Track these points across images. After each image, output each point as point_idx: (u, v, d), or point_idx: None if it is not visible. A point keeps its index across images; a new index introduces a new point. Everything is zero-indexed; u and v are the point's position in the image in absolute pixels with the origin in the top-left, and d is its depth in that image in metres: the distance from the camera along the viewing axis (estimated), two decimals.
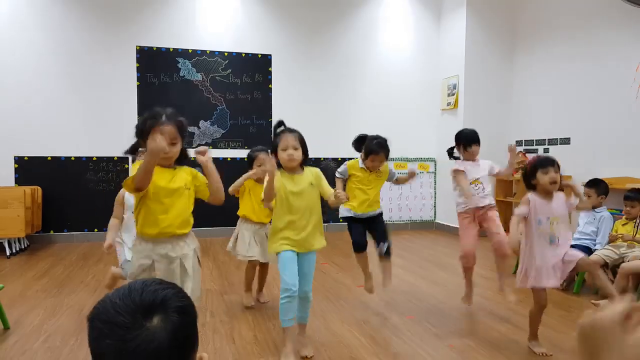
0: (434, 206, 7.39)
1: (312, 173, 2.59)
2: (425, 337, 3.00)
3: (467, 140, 3.51)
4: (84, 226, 6.11)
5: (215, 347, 2.84)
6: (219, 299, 3.77)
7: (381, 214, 3.39)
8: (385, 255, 3.34)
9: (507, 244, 3.27)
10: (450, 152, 3.71)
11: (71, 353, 2.74)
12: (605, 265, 3.66)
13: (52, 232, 6.04)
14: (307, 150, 2.56)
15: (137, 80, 6.26)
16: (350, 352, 2.77)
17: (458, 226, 3.63)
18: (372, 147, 3.20)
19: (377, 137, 3.24)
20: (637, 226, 3.43)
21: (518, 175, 6.10)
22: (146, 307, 0.78)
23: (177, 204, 2.14)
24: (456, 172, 3.45)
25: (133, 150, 2.23)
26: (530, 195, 2.66)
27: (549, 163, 2.62)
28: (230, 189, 3.43)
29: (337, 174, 3.36)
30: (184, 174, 2.20)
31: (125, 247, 3.31)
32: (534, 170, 2.64)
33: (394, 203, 7.11)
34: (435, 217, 7.37)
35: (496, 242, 3.33)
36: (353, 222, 3.33)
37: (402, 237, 6.55)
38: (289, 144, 2.48)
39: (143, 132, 2.05)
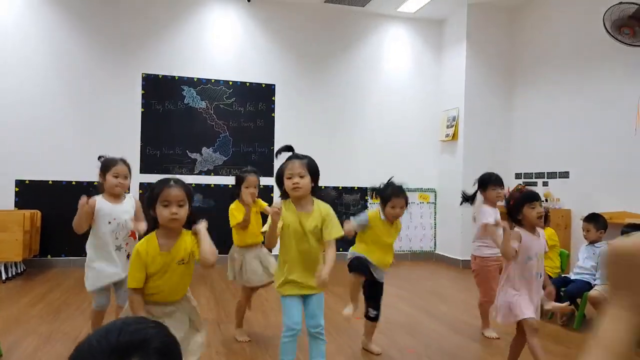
0: (434, 237, 7.37)
1: (321, 212, 2.38)
2: None
3: (489, 181, 3.55)
4: (82, 251, 6.02)
5: None
6: (215, 328, 3.73)
7: (382, 284, 3.20)
8: (374, 319, 3.17)
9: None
10: (473, 196, 3.62)
11: None
12: (605, 301, 3.63)
13: (49, 256, 6.02)
14: (317, 178, 2.37)
15: (142, 107, 6.35)
16: None
17: (477, 268, 3.60)
18: (390, 191, 3.02)
19: (392, 183, 3.09)
20: None
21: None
22: (123, 349, 0.72)
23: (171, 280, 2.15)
24: (486, 225, 3.44)
25: (154, 224, 2.16)
26: (519, 230, 2.61)
27: (535, 198, 2.61)
28: (243, 224, 3.41)
29: (353, 220, 3.05)
30: (185, 246, 2.17)
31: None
32: (520, 205, 2.60)
33: None
34: (435, 248, 7.35)
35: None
36: (359, 259, 3.09)
37: (402, 268, 6.51)
38: (294, 171, 2.31)
39: (152, 199, 2.10)
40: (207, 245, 2.12)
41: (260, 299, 3.81)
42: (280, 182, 2.40)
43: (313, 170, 2.37)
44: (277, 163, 7.22)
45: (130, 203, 3.03)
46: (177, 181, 2.13)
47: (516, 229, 2.63)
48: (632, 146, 4.95)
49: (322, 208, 2.41)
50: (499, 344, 3.48)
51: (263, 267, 3.43)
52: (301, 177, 2.31)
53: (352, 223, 3.00)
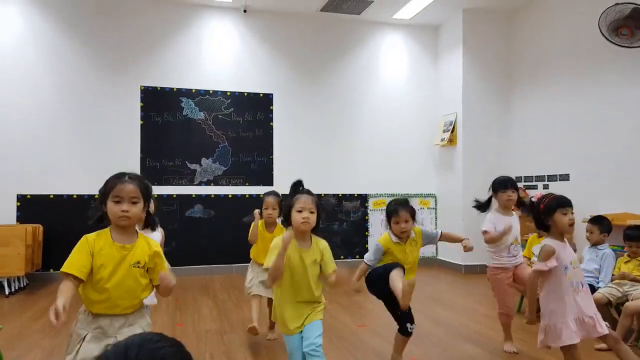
0: (436, 243, 7.35)
1: (319, 247, 2.40)
2: None
3: (500, 184, 3.43)
4: None
5: None
6: (218, 339, 3.72)
7: (411, 320, 3.01)
8: (410, 334, 3.01)
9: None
10: (486, 204, 3.46)
11: None
12: (609, 304, 3.62)
13: (52, 270, 6.01)
14: (320, 217, 2.39)
15: (141, 119, 6.37)
16: None
17: (489, 278, 3.53)
18: (391, 207, 2.94)
19: (393, 200, 3.04)
20: None
21: (518, 212, 6.10)
22: None
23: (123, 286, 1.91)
24: (485, 233, 3.38)
25: (100, 219, 1.98)
26: (549, 241, 2.47)
27: (569, 203, 2.45)
28: (250, 238, 3.61)
29: (366, 261, 2.96)
30: (143, 249, 1.96)
31: None
32: (551, 210, 2.44)
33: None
34: (437, 254, 7.33)
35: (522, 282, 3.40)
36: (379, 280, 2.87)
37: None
38: (305, 206, 2.31)
39: (104, 194, 1.92)
40: (163, 289, 1.97)
41: (265, 310, 3.81)
42: (287, 214, 2.40)
43: (319, 208, 2.39)
44: (280, 175, 7.22)
45: (156, 236, 2.93)
46: (134, 177, 1.94)
47: (546, 240, 2.49)
48: (633, 147, 4.94)
49: (319, 242, 2.42)
50: (511, 355, 3.43)
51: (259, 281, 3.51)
52: (311, 212, 2.33)
53: (358, 273, 2.92)
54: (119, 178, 1.92)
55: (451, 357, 3.36)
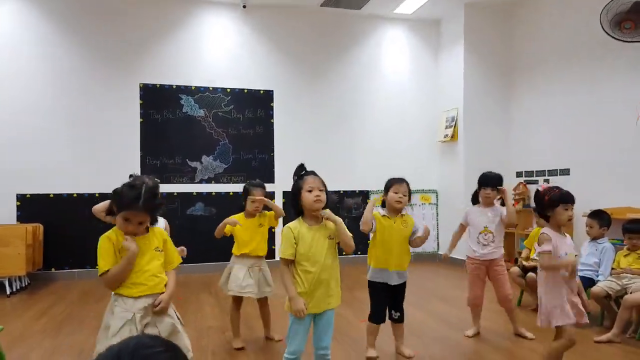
0: (437, 238, 7.36)
1: (330, 224, 2.39)
2: None
3: (481, 182, 3.66)
4: (85, 263, 6.09)
5: None
6: (220, 336, 3.72)
7: (405, 282, 3.22)
8: (398, 320, 3.22)
9: (509, 299, 3.59)
10: (474, 198, 3.74)
11: None
12: (608, 297, 3.62)
13: (53, 269, 6.03)
14: (328, 197, 2.41)
15: (141, 117, 6.37)
16: None
17: (467, 268, 3.74)
18: (393, 179, 3.15)
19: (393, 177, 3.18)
20: None
21: (519, 207, 6.10)
22: None
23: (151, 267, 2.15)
24: (460, 226, 3.75)
25: (111, 211, 2.23)
26: (547, 230, 2.59)
27: (571, 200, 2.59)
28: (217, 233, 3.46)
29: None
30: (155, 238, 2.22)
31: None
32: (554, 204, 2.57)
33: None
34: (438, 249, 7.33)
35: (502, 299, 3.61)
36: (378, 288, 3.15)
37: (407, 272, 6.47)
38: (315, 185, 2.33)
39: (118, 207, 2.12)
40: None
41: (250, 312, 3.81)
42: (295, 200, 2.40)
43: (326, 188, 2.40)
44: (281, 172, 7.21)
45: (160, 224, 2.91)
46: (148, 198, 2.04)
47: (544, 229, 2.61)
48: (633, 141, 4.93)
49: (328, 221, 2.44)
50: (507, 345, 3.46)
51: (255, 280, 3.40)
52: (321, 190, 2.35)
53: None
54: (133, 201, 2.02)
55: (453, 353, 3.36)
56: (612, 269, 3.74)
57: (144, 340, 0.76)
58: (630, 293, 3.44)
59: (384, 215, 3.11)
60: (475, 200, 3.72)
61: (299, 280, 2.35)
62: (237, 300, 3.50)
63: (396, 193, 3.06)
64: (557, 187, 2.69)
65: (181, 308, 4.50)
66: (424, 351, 3.34)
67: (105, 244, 2.07)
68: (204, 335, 3.77)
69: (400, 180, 3.11)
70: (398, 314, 3.20)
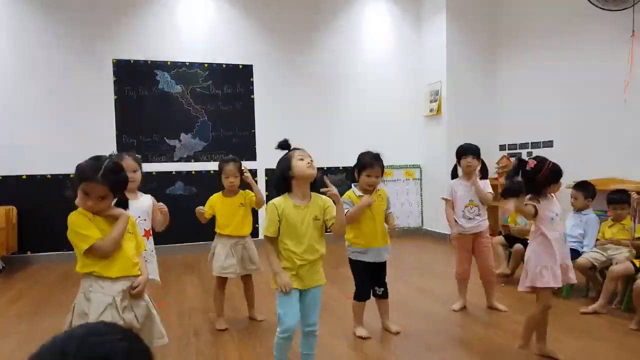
0: (421, 213, 7.35)
1: (321, 203, 2.34)
2: (417, 350, 2.92)
3: (460, 152, 3.58)
4: (62, 246, 5.90)
5: None
6: (203, 317, 3.64)
7: (385, 262, 3.18)
8: (383, 296, 3.19)
9: (494, 272, 3.64)
10: (454, 172, 3.68)
11: None
12: (593, 268, 3.63)
13: (29, 253, 5.84)
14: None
15: (115, 94, 6.13)
16: None
17: (454, 243, 3.73)
18: (367, 160, 3.03)
19: (369, 152, 3.07)
20: (635, 225, 3.36)
21: (502, 180, 6.09)
22: None
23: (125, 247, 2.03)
24: (445, 201, 3.64)
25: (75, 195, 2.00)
26: (532, 201, 2.56)
27: (562, 174, 2.59)
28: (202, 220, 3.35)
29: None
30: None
31: None
32: (550, 183, 2.54)
33: None
34: (422, 224, 7.33)
35: (484, 272, 3.60)
36: (361, 266, 3.11)
37: (390, 245, 6.46)
38: (305, 154, 2.31)
39: (78, 179, 1.95)
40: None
41: (235, 291, 3.73)
42: (284, 174, 2.30)
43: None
44: (263, 149, 7.05)
45: (146, 202, 2.86)
46: (108, 173, 1.92)
47: (527, 201, 2.56)
48: (618, 112, 4.90)
49: (320, 198, 2.36)
50: (494, 319, 3.46)
51: (232, 256, 3.32)
52: (311, 159, 2.31)
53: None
54: (92, 172, 1.89)
55: (439, 327, 3.34)
56: (597, 240, 3.74)
57: (98, 327, 0.68)
58: (616, 264, 3.45)
59: (359, 196, 3.04)
60: (454, 174, 3.67)
61: (283, 259, 2.29)
62: (221, 281, 3.42)
63: (369, 176, 3.00)
64: (547, 161, 2.60)
65: (163, 290, 4.41)
66: (410, 326, 3.32)
67: (81, 218, 1.92)
68: (187, 316, 3.68)
69: (372, 163, 2.99)
70: (382, 289, 3.17)
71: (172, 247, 6.01)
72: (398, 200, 7.17)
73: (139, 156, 2.91)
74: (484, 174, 3.59)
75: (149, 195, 2.93)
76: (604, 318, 3.38)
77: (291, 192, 2.31)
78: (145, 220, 2.79)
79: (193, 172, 6.39)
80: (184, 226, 5.55)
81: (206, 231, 3.59)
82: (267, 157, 6.56)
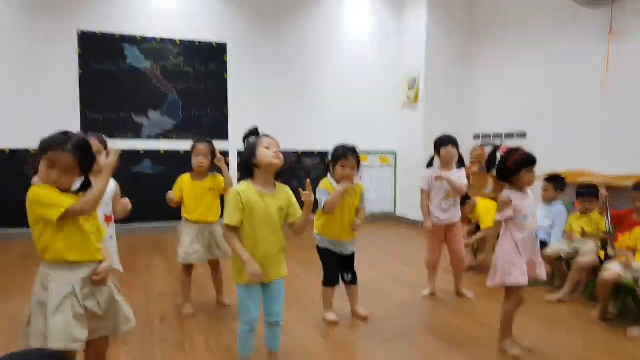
0: (394, 199, 7.37)
1: (285, 193, 2.30)
2: (387, 336, 2.92)
3: (440, 142, 3.55)
4: (23, 223, 5.65)
5: (164, 358, 2.63)
6: (169, 301, 3.55)
7: (354, 254, 3.16)
8: (352, 282, 3.17)
9: (464, 260, 3.68)
10: (430, 163, 3.64)
11: None
12: (559, 259, 3.71)
13: None
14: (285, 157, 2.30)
15: (79, 68, 5.85)
16: (311, 358, 2.64)
17: (426, 232, 3.69)
18: (340, 151, 2.96)
19: (344, 144, 3.01)
20: (608, 220, 3.42)
21: (475, 169, 6.14)
22: None
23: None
24: (421, 192, 3.60)
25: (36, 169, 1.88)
26: (508, 192, 2.54)
27: (535, 161, 2.53)
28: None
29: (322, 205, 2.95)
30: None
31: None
32: (519, 169, 2.49)
33: None
34: (395, 210, 7.36)
35: (455, 259, 3.63)
36: (328, 254, 3.08)
37: (363, 230, 6.46)
38: (272, 143, 2.21)
39: (42, 149, 1.82)
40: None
41: (201, 277, 3.66)
42: (248, 160, 2.22)
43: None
44: (236, 131, 6.92)
45: (110, 185, 2.72)
46: (75, 146, 1.81)
47: (505, 191, 2.55)
48: (593, 107, 4.95)
49: (284, 188, 2.31)
50: (462, 306, 3.50)
51: (204, 244, 3.25)
52: (279, 149, 2.24)
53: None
54: (60, 142, 1.79)
55: (410, 313, 3.35)
56: (564, 231, 3.81)
57: (29, 355, 0.57)
58: (582, 255, 3.51)
59: (334, 187, 2.97)
60: (430, 165, 3.64)
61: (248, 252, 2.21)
62: (187, 266, 3.33)
63: (343, 167, 2.92)
64: (518, 149, 2.61)
65: (130, 273, 4.28)
66: (380, 312, 3.32)
67: (45, 188, 1.77)
68: (153, 301, 3.58)
69: (346, 154, 2.92)
70: (350, 275, 3.16)
71: (140, 227, 5.86)
72: (372, 185, 7.16)
73: (105, 138, 2.77)
74: (460, 163, 3.58)
75: (112, 180, 2.79)
76: (568, 306, 3.47)
77: (254, 180, 2.23)
78: (106, 204, 2.67)
79: (162, 152, 6.20)
80: (151, 206, 5.41)
81: (173, 211, 3.47)
82: (239, 139, 6.40)
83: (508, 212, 2.49)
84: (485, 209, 4.26)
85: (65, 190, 1.83)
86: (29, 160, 1.85)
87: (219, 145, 6.56)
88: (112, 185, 2.77)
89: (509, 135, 5.99)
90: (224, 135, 6.43)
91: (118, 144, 5.74)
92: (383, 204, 7.31)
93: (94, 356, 1.94)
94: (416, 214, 6.67)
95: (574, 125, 5.14)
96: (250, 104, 6.50)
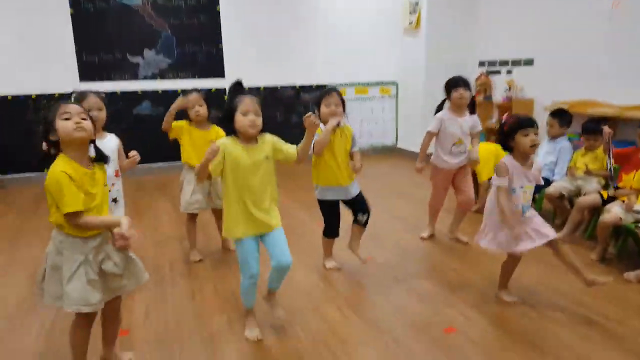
0: (396, 131, 7.29)
1: (267, 143, 2.28)
2: (384, 281, 3.01)
3: (451, 84, 3.37)
4: (32, 167, 5.74)
5: (175, 304, 2.77)
6: (177, 247, 3.66)
7: (360, 192, 3.06)
8: (364, 225, 3.09)
9: (472, 202, 3.57)
10: (440, 106, 3.49)
11: (25, 320, 2.62)
12: (561, 197, 3.69)
13: None
14: (263, 119, 2.25)
15: (70, 7, 5.61)
16: (310, 301, 2.76)
17: (433, 176, 3.62)
18: (321, 92, 2.91)
19: (324, 87, 2.95)
20: (610, 159, 3.37)
21: (480, 98, 6.01)
22: None
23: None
24: (427, 133, 3.48)
25: (48, 153, 1.89)
26: (507, 159, 2.47)
27: (529, 124, 2.42)
28: (164, 125, 3.25)
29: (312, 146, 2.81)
30: (103, 173, 1.97)
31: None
32: (512, 132, 2.42)
33: (355, 128, 6.86)
34: (397, 142, 7.31)
35: (463, 200, 3.54)
36: (328, 204, 3.04)
37: (363, 164, 6.48)
38: (250, 108, 2.16)
39: (49, 122, 1.83)
40: None
41: (207, 226, 3.74)
42: (228, 118, 2.21)
43: (262, 110, 2.24)
44: (232, 67, 6.68)
45: (113, 142, 2.78)
46: (78, 99, 1.99)
47: (504, 159, 2.49)
48: (599, 33, 4.71)
49: (266, 138, 2.30)
50: (460, 249, 3.54)
51: (204, 194, 3.28)
52: (257, 115, 2.19)
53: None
54: (64, 100, 1.89)
55: (407, 255, 3.42)
56: (569, 167, 3.74)
57: None
58: (584, 194, 3.49)
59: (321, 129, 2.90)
60: (440, 108, 3.48)
61: (235, 204, 2.23)
62: (191, 215, 3.40)
63: (327, 105, 2.85)
64: (517, 115, 2.57)
65: (138, 216, 4.40)
66: (379, 256, 3.39)
67: (64, 179, 1.76)
68: (161, 246, 3.71)
69: (329, 91, 2.86)
70: (366, 216, 3.04)
71: (144, 167, 5.90)
72: (373, 117, 7.06)
73: (103, 94, 2.76)
74: (472, 108, 3.42)
75: (114, 135, 2.85)
76: (568, 247, 3.46)
77: (237, 136, 2.24)
78: (113, 160, 2.72)
79: (160, 92, 6.10)
80: (153, 146, 5.42)
81: (175, 151, 3.48)
82: (235, 76, 6.24)
83: (503, 181, 2.44)
84: (485, 159, 3.98)
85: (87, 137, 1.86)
86: (41, 133, 1.84)
87: (214, 83, 6.47)
88: (115, 140, 2.82)
89: (516, 62, 5.77)
90: (219, 71, 6.26)
91: (117, 86, 5.60)
92: (384, 137, 7.24)
93: (110, 311, 2.06)
94: (418, 147, 6.62)
95: (584, 51, 4.90)
96: (245, 37, 6.26)
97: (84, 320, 1.94)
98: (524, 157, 2.48)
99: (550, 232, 2.51)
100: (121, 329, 2.25)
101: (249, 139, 2.23)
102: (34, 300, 2.80)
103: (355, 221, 3.07)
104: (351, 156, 3.02)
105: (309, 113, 2.26)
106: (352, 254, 3.15)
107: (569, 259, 2.51)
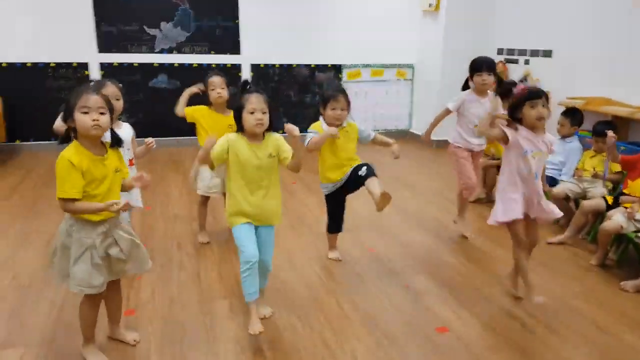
0: (410, 115, 7.24)
1: (272, 142, 2.34)
2: (382, 275, 3.08)
3: (474, 67, 3.33)
4: (50, 135, 5.86)
5: (181, 286, 2.88)
6: (187, 227, 3.75)
7: (362, 165, 2.98)
8: (368, 175, 2.92)
9: (475, 188, 3.58)
10: (465, 87, 3.46)
11: (40, 293, 2.75)
12: (567, 198, 3.70)
13: (17, 141, 5.87)
14: (273, 116, 2.31)
15: None
16: (309, 292, 2.85)
17: (453, 160, 3.59)
18: (329, 93, 2.91)
19: (330, 83, 2.95)
20: (607, 164, 3.34)
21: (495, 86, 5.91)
22: None
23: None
24: (445, 108, 3.47)
25: (66, 138, 1.99)
26: (510, 128, 2.47)
27: (538, 96, 2.38)
28: (177, 110, 3.33)
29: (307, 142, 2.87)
30: (116, 157, 2.08)
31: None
32: (520, 103, 2.40)
33: (369, 112, 6.92)
34: (410, 127, 7.26)
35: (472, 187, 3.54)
36: (332, 200, 3.11)
37: (374, 149, 6.46)
38: (257, 106, 2.22)
39: (73, 100, 1.92)
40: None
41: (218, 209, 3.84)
42: (237, 116, 2.29)
43: (271, 108, 2.30)
44: (248, 42, 6.62)
45: (127, 131, 2.84)
46: (97, 88, 2.07)
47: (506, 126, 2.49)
48: (621, 28, 4.57)
49: (270, 136, 2.36)
50: (463, 243, 3.57)
51: (222, 178, 3.31)
52: (264, 113, 2.25)
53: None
54: (85, 89, 1.96)
55: (407, 249, 3.47)
56: (577, 169, 3.73)
57: None
58: (590, 198, 3.48)
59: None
60: (465, 87, 3.46)
61: (239, 199, 2.31)
62: (205, 198, 3.50)
63: (334, 110, 2.87)
64: (527, 86, 2.55)
65: (149, 192, 4.48)
66: (380, 249, 3.44)
67: (69, 166, 1.86)
68: (171, 224, 3.82)
69: (337, 95, 2.87)
70: (364, 169, 2.93)
71: (156, 140, 5.98)
72: (387, 101, 7.01)
73: (121, 84, 2.80)
74: (500, 90, 3.28)
75: (128, 124, 2.93)
76: (569, 249, 3.46)
77: (244, 132, 2.31)
78: (128, 149, 2.81)
79: (176, 65, 6.12)
80: (168, 119, 5.48)
81: (188, 125, 3.55)
82: (252, 52, 6.25)
83: (496, 131, 2.47)
84: None
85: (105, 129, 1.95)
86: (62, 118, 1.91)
87: (233, 59, 6.43)
88: (130, 130, 2.89)
89: (534, 53, 5.65)
90: (235, 47, 6.24)
91: (133, 58, 5.63)
92: (398, 121, 7.20)
93: (109, 291, 2.19)
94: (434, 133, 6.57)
95: (603, 48, 4.76)
96: (261, 13, 6.20)
97: (90, 299, 2.09)
98: (532, 130, 2.45)
99: (556, 210, 2.56)
100: (127, 309, 2.38)
101: (255, 137, 2.31)
102: (48, 273, 2.94)
103: (361, 179, 2.91)
104: (376, 143, 3.10)
105: (288, 125, 2.22)
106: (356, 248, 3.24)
107: (525, 264, 2.58)
